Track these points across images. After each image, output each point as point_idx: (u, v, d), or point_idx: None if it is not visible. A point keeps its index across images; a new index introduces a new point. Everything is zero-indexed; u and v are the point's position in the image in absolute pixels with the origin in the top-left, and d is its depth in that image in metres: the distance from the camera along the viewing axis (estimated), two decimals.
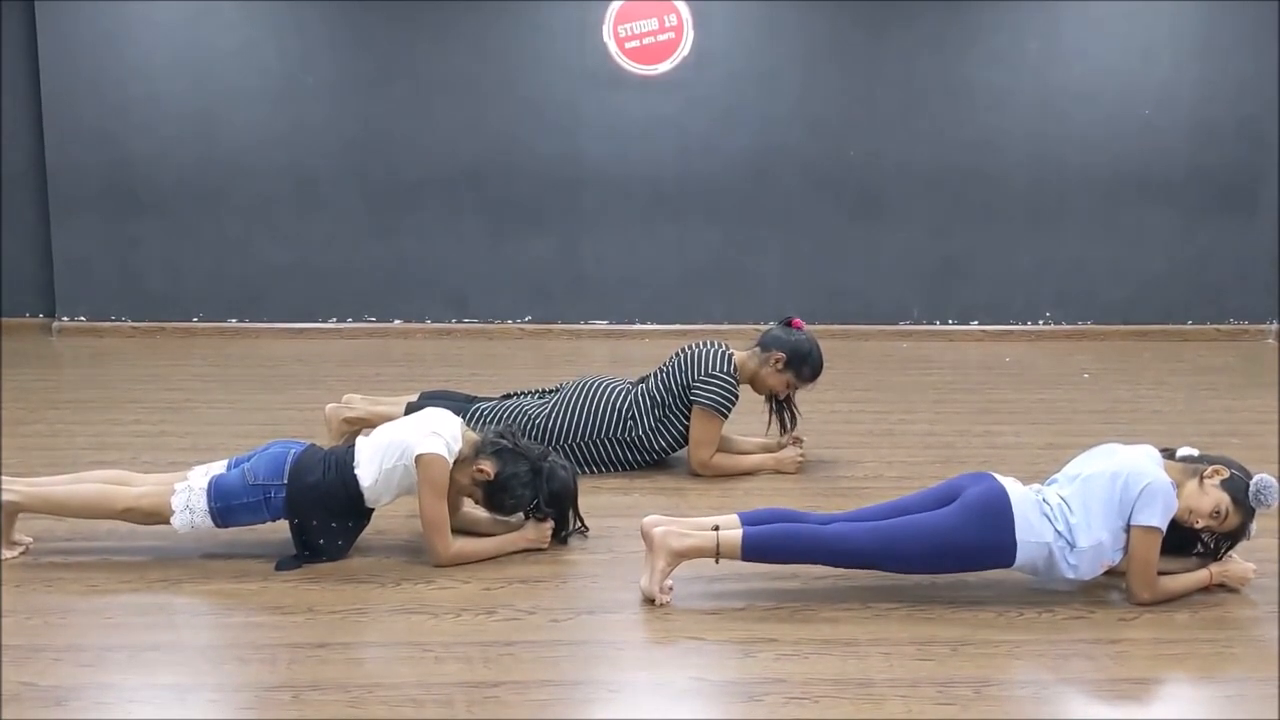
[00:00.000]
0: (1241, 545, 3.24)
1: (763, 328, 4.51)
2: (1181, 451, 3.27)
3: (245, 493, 3.34)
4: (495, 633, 2.97)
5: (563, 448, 4.19)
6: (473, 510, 3.63)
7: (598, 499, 3.92)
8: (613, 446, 4.32)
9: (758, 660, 2.84)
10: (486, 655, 2.84)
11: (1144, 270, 7.44)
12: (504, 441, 3.46)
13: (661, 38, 7.04)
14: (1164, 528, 3.08)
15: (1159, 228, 7.40)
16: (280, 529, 3.41)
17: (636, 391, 4.38)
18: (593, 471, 4.31)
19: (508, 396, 4.49)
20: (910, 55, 7.14)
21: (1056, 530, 3.11)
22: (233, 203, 7.14)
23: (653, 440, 4.34)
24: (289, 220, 7.18)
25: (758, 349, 4.37)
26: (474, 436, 3.50)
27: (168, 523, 3.34)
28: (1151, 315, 7.48)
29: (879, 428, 5.12)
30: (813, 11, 7.08)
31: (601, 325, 7.36)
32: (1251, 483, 3.10)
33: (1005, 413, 5.44)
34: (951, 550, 3.11)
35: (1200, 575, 3.23)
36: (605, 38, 7.03)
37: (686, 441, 4.33)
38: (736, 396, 4.30)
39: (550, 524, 3.54)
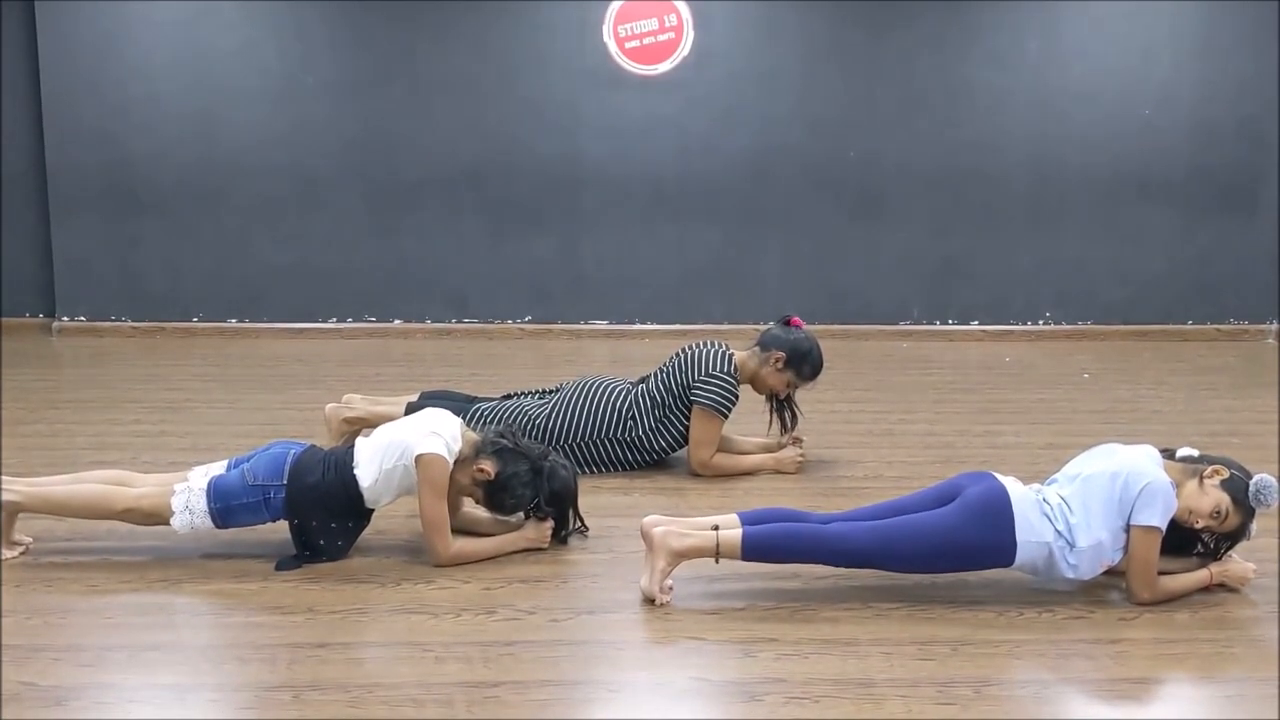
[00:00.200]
0: (1241, 545, 3.24)
1: (763, 328, 4.51)
2: (1181, 451, 3.27)
3: (245, 493, 3.34)
4: (495, 633, 2.97)
5: (563, 448, 4.18)
6: (473, 510, 3.63)
7: (598, 499, 3.92)
8: (613, 446, 4.32)
9: (758, 660, 2.84)
10: (486, 655, 2.84)
11: (1144, 270, 7.45)
12: (504, 441, 3.46)
13: (661, 38, 7.04)
14: (1164, 528, 3.09)
15: (1159, 228, 7.40)
16: (280, 529, 3.41)
17: (636, 392, 4.38)
18: (593, 471, 4.30)
19: (508, 397, 4.49)
20: (910, 55, 7.14)
21: (1056, 530, 3.11)
22: (233, 203, 7.14)
23: (653, 440, 4.34)
24: (289, 220, 7.19)
25: (757, 349, 4.37)
26: (474, 436, 3.50)
27: (167, 523, 3.34)
28: (1151, 315, 7.49)
29: (879, 428, 5.12)
30: (812, 11, 7.08)
31: (601, 325, 7.36)
32: (1251, 483, 3.10)
33: (1005, 413, 5.44)
34: (951, 549, 3.11)
35: (1200, 575, 3.23)
36: (605, 37, 7.03)
37: (686, 441, 4.33)
38: (737, 396, 4.30)
39: (550, 524, 3.54)
